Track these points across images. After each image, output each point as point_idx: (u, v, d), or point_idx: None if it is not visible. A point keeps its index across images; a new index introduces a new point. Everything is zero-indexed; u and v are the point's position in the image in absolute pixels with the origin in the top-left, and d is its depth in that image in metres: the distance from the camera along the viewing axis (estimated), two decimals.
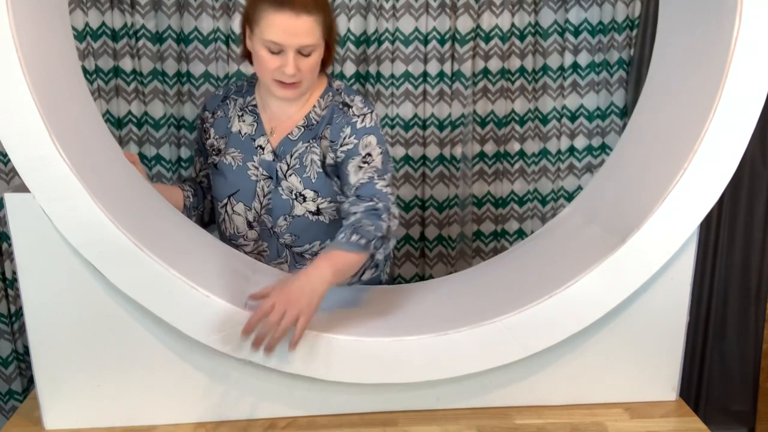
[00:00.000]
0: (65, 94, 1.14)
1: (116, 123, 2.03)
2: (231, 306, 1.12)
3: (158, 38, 1.98)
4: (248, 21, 1.31)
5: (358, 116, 1.36)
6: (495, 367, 1.18)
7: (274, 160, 1.39)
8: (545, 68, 2.09)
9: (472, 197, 2.17)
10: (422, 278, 2.23)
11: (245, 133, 1.41)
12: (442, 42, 2.05)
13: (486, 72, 2.08)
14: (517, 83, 2.10)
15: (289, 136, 1.39)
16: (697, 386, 2.29)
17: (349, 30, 2.02)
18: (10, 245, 2.04)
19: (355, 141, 1.34)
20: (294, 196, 1.38)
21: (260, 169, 1.40)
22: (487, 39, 2.06)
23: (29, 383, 2.15)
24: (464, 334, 1.16)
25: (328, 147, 1.37)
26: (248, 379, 1.19)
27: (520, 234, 2.19)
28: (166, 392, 1.18)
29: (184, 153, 2.07)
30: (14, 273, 2.06)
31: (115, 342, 1.15)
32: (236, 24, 1.98)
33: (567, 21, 2.06)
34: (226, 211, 1.43)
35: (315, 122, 1.38)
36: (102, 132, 1.24)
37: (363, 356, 1.16)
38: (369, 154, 1.34)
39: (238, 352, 1.13)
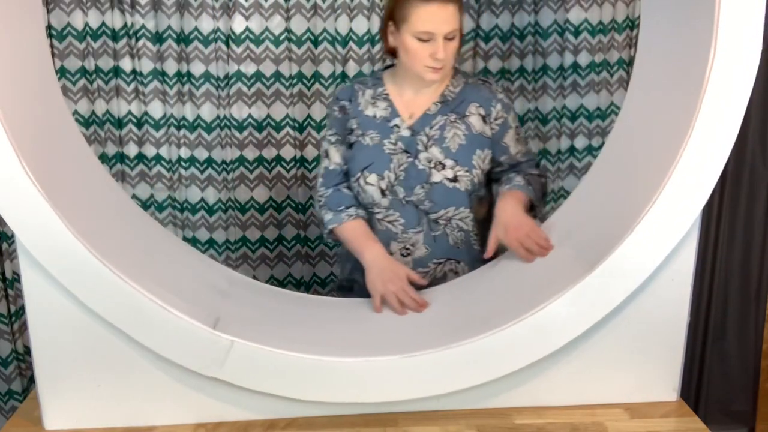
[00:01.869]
0: (38, 112, 1.13)
1: (116, 123, 2.03)
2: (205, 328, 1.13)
3: (158, 38, 1.98)
4: (394, 20, 1.47)
5: (501, 93, 1.55)
6: (497, 378, 1.18)
7: (411, 135, 1.52)
8: (545, 68, 2.09)
9: None
10: None
11: (380, 117, 1.54)
12: None
13: (486, 72, 2.08)
14: (517, 83, 2.10)
15: (427, 111, 1.53)
16: (697, 386, 2.29)
17: (351, 30, 2.02)
18: (10, 245, 2.04)
19: (505, 115, 1.53)
20: (433, 165, 1.50)
21: (398, 144, 1.52)
22: (487, 39, 2.06)
23: (29, 383, 2.15)
24: (466, 347, 1.16)
25: (480, 120, 1.52)
26: None
27: None
28: (165, 392, 1.18)
29: (184, 153, 2.07)
30: (14, 273, 2.06)
31: (115, 342, 1.15)
32: (236, 24, 1.98)
33: (567, 21, 2.06)
34: (359, 184, 1.54)
35: (451, 98, 1.53)
36: (79, 150, 1.25)
37: (345, 376, 1.17)
38: (519, 126, 1.58)
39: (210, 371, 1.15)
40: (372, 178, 1.51)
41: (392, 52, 1.53)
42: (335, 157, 1.57)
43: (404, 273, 1.42)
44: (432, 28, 1.40)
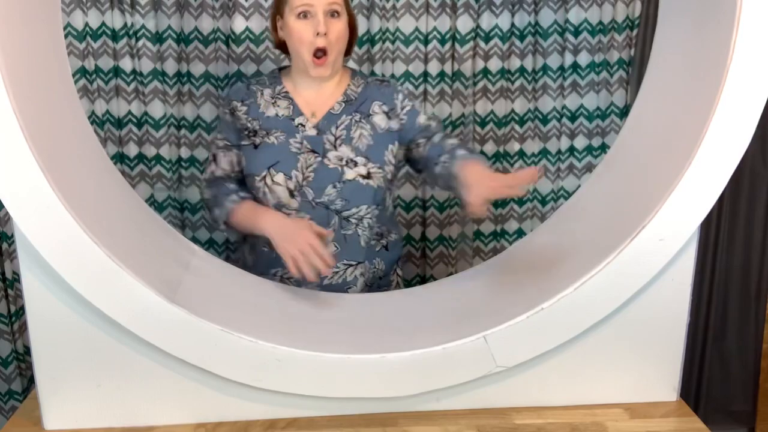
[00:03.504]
0: (45, 97, 1.14)
1: (116, 123, 2.03)
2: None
3: (158, 38, 1.98)
4: (278, 9, 1.48)
5: (401, 87, 1.57)
6: (496, 372, 1.18)
7: (318, 134, 1.50)
8: (545, 68, 2.09)
9: None
10: (423, 278, 2.23)
11: (283, 115, 1.51)
12: (442, 42, 2.05)
13: (486, 72, 2.08)
14: (517, 83, 2.10)
15: (331, 110, 1.51)
16: (697, 386, 2.29)
17: None
18: (10, 245, 2.04)
19: (410, 103, 1.55)
20: (344, 163, 1.49)
21: (304, 143, 1.49)
22: (487, 39, 2.06)
23: (29, 383, 2.15)
24: (458, 344, 1.17)
25: (385, 118, 1.52)
26: None
27: (520, 234, 2.19)
28: (165, 392, 1.18)
29: (184, 153, 2.07)
30: (14, 273, 2.06)
31: (115, 342, 1.15)
32: (236, 24, 1.98)
33: (567, 21, 2.06)
34: (265, 183, 1.49)
35: (354, 98, 1.52)
36: (94, 151, 1.25)
37: (356, 372, 1.16)
38: (424, 110, 1.59)
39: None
40: (279, 177, 1.48)
41: (282, 47, 1.53)
42: (222, 163, 1.54)
43: (306, 224, 1.37)
44: None
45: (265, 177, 1.49)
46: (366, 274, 1.57)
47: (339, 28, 1.43)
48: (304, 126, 1.50)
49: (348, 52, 1.53)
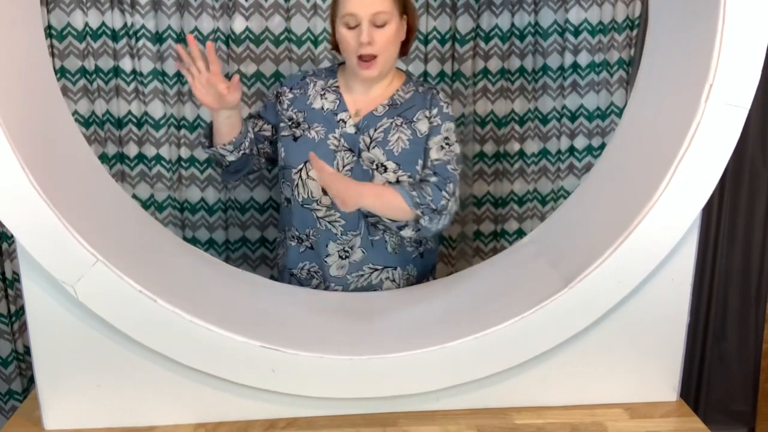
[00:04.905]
0: (33, 102, 1.13)
1: (116, 123, 2.03)
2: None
3: (158, 38, 1.98)
4: (333, 12, 1.49)
5: (444, 102, 1.54)
6: (495, 373, 1.18)
7: (356, 133, 1.50)
8: (545, 68, 2.09)
9: (471, 197, 2.17)
10: None
11: (327, 109, 1.53)
12: (442, 42, 2.05)
13: (486, 72, 2.08)
14: (517, 83, 2.10)
15: (374, 112, 1.52)
16: (697, 386, 2.29)
17: None
18: (10, 245, 2.04)
19: (439, 122, 1.51)
20: (375, 167, 1.48)
21: (341, 140, 1.50)
22: (487, 39, 2.06)
23: (29, 383, 2.15)
24: (467, 342, 1.17)
25: (427, 122, 1.50)
26: None
27: (520, 234, 2.19)
28: (166, 392, 1.18)
29: (184, 153, 2.07)
30: (14, 273, 2.06)
31: (114, 342, 1.15)
32: (236, 24, 1.98)
33: (567, 21, 2.06)
34: (300, 176, 1.51)
35: (399, 103, 1.52)
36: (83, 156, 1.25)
37: (356, 373, 1.16)
38: (448, 138, 1.52)
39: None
40: (315, 173, 1.47)
41: (338, 49, 1.54)
42: (248, 124, 1.57)
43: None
44: (354, 9, 1.40)
45: (301, 170, 1.51)
46: (398, 279, 1.57)
47: (384, 37, 1.43)
48: (345, 122, 1.51)
49: (404, 52, 1.55)
